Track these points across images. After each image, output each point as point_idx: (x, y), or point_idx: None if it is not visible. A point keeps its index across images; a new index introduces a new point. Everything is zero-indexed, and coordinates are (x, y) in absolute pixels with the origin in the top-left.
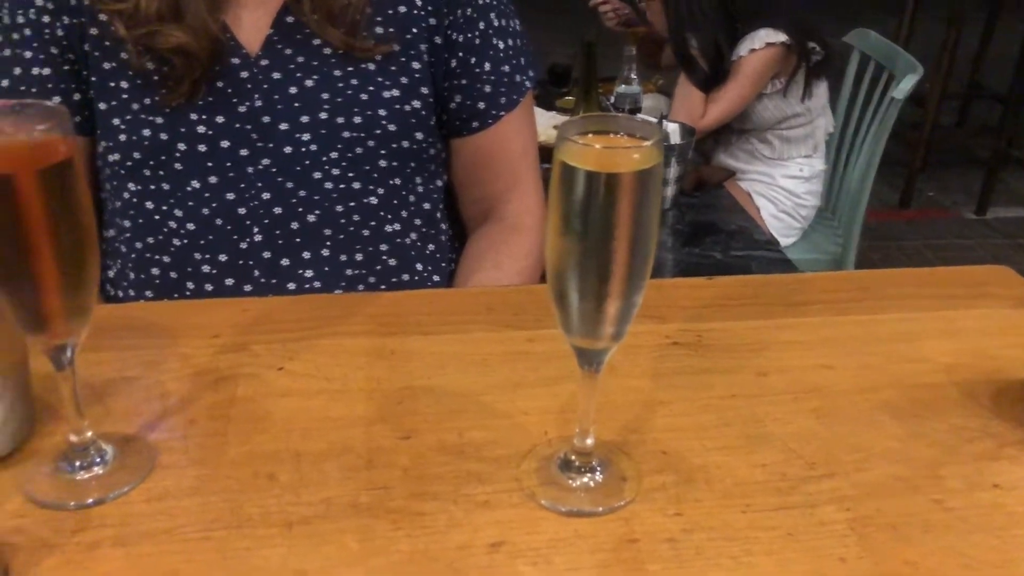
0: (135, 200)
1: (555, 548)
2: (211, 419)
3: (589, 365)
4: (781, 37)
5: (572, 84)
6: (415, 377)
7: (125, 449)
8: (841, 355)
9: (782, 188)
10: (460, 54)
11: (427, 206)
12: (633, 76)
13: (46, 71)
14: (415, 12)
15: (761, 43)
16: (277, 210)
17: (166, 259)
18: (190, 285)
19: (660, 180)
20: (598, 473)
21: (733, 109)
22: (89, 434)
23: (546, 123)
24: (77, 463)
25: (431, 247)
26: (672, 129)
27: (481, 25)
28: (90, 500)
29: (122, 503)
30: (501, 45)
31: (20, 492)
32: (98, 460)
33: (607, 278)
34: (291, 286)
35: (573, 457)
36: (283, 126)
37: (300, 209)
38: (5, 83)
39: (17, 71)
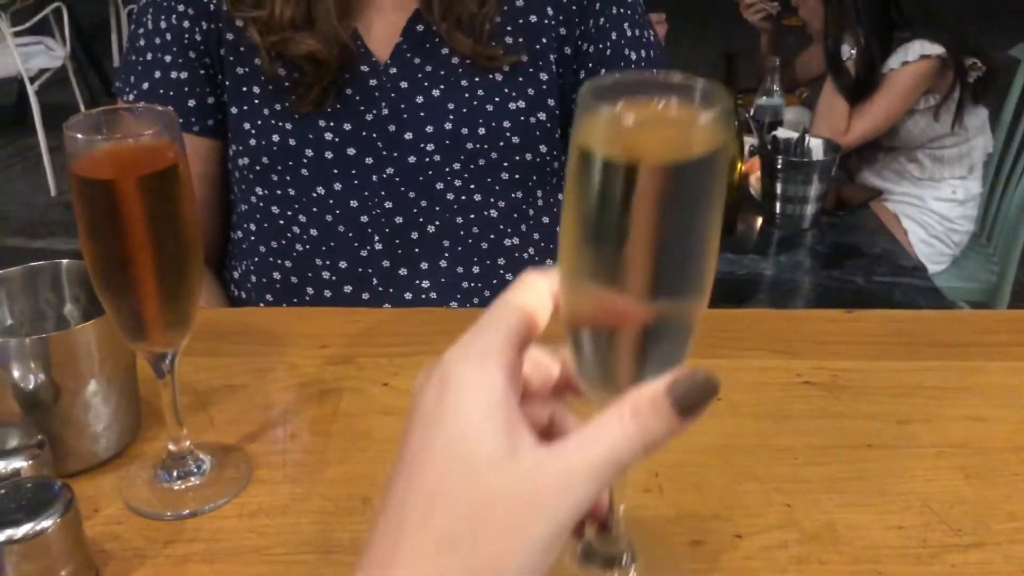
0: (262, 204)
1: None
2: (311, 434)
3: None
4: (937, 50)
5: None
6: None
7: (223, 460)
8: (996, 406)
9: (933, 211)
10: (590, 65)
11: (547, 220)
12: (775, 88)
13: (184, 74)
14: (546, 22)
15: (915, 55)
16: (398, 219)
17: (288, 264)
18: (310, 291)
19: (722, 181)
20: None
21: (880, 125)
22: (187, 443)
23: None
24: (175, 472)
25: (549, 262)
26: (815, 145)
27: (613, 35)
28: (185, 512)
29: (215, 516)
30: (633, 56)
31: (120, 497)
32: (195, 470)
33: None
34: (407, 296)
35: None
36: (408, 135)
37: (420, 219)
38: (146, 85)
39: (157, 74)
